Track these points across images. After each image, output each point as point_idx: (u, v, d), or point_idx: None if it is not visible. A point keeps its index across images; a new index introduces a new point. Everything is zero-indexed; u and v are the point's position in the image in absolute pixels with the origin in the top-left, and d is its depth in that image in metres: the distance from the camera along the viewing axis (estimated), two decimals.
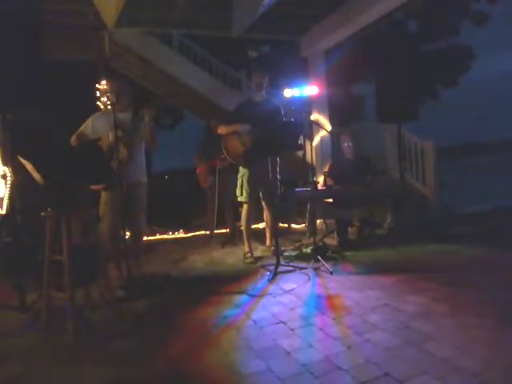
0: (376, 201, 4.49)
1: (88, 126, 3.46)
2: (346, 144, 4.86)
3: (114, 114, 3.15)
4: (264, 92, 4.27)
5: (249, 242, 4.33)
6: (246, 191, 4.21)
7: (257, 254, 4.39)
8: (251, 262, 4.15)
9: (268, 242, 4.50)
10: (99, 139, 3.39)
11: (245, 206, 4.33)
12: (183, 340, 2.40)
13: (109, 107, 3.47)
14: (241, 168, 4.28)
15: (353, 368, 1.93)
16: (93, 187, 3.23)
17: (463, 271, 3.40)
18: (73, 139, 3.46)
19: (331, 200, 4.61)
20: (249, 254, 4.27)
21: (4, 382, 2.07)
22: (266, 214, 4.43)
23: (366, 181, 4.58)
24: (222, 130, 4.20)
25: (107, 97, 3.44)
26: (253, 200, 4.29)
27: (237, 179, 4.35)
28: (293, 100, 5.52)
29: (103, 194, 3.40)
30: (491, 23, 15.73)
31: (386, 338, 2.21)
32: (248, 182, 4.20)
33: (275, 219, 4.18)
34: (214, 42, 8.37)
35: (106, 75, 3.28)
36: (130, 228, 3.55)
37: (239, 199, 4.32)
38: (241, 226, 4.55)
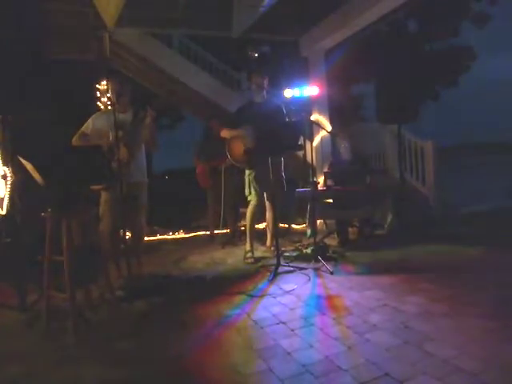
0: (376, 201, 4.49)
1: (89, 126, 3.46)
2: (342, 145, 4.87)
3: (115, 114, 3.15)
4: (265, 92, 4.28)
5: (251, 242, 4.32)
6: (255, 189, 4.21)
7: (257, 254, 4.39)
8: (251, 262, 4.15)
9: (269, 242, 4.50)
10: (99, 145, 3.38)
11: (252, 203, 4.31)
12: (183, 340, 2.40)
13: (109, 107, 3.48)
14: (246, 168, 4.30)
15: (353, 368, 1.93)
16: (93, 187, 3.23)
17: (463, 271, 3.40)
18: (74, 140, 3.45)
19: (331, 200, 4.62)
20: (249, 254, 4.26)
21: (4, 383, 2.07)
22: (268, 215, 4.43)
23: (365, 181, 4.58)
24: (224, 133, 4.23)
25: (107, 97, 3.45)
26: (260, 199, 4.29)
27: (237, 180, 4.37)
28: (293, 100, 5.52)
29: (103, 194, 3.40)
30: (491, 23, 15.72)
31: (385, 338, 2.21)
32: (255, 181, 4.21)
33: (277, 220, 4.18)
34: (214, 42, 8.37)
35: (106, 75, 3.27)
36: (131, 228, 3.55)
37: (249, 198, 4.31)
38: (241, 227, 4.56)
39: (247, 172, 4.27)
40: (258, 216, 4.59)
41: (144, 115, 3.35)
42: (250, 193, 4.26)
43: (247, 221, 4.35)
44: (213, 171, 5.27)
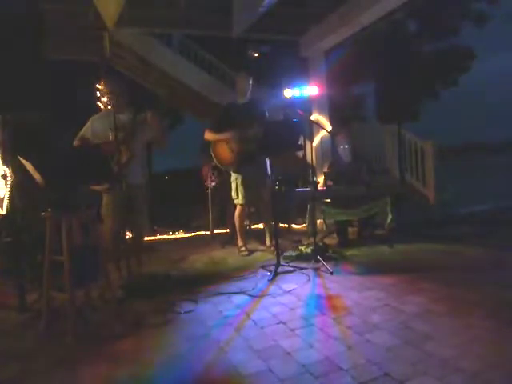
0: (376, 201, 4.48)
1: (88, 129, 3.46)
2: (342, 146, 4.81)
3: (115, 116, 3.15)
4: (249, 93, 4.31)
5: (242, 237, 4.48)
6: (242, 194, 4.29)
7: (255, 253, 4.44)
8: (246, 255, 4.33)
9: (268, 241, 4.51)
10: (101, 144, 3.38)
11: (238, 207, 4.44)
12: (183, 340, 2.40)
13: (109, 107, 3.49)
14: (232, 171, 4.38)
15: (353, 368, 1.93)
16: (95, 188, 3.23)
17: (463, 271, 3.40)
18: (75, 143, 3.45)
19: (329, 200, 4.61)
20: (243, 248, 4.43)
21: (4, 383, 2.07)
22: (264, 215, 4.48)
23: (365, 181, 4.57)
24: (208, 136, 4.29)
25: (107, 97, 3.44)
26: (249, 202, 4.38)
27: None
28: (293, 100, 5.51)
29: (105, 197, 3.41)
30: (491, 23, 15.72)
31: (386, 338, 2.21)
32: (242, 185, 4.26)
33: (274, 219, 4.20)
34: (214, 42, 8.37)
35: (103, 77, 3.27)
36: (131, 229, 3.55)
37: (236, 202, 4.42)
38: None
39: (233, 176, 4.35)
40: (254, 218, 4.69)
41: (144, 118, 3.35)
42: (238, 196, 4.35)
43: (236, 223, 4.50)
44: (216, 171, 5.28)
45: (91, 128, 3.44)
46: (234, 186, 4.37)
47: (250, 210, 5.39)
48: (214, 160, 4.29)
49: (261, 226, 5.27)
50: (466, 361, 1.93)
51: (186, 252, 4.79)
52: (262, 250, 4.55)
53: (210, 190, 5.52)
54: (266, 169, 4.30)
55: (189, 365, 2.10)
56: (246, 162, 4.17)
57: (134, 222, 3.49)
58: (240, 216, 4.45)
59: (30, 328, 2.73)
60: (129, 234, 3.61)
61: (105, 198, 3.40)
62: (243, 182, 4.28)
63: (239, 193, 4.31)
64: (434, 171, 6.16)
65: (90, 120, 3.49)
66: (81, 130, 3.48)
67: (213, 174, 5.37)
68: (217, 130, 4.25)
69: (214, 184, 5.41)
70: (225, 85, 8.56)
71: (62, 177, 2.64)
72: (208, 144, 5.21)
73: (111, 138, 3.25)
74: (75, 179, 2.71)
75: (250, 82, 4.33)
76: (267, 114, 4.33)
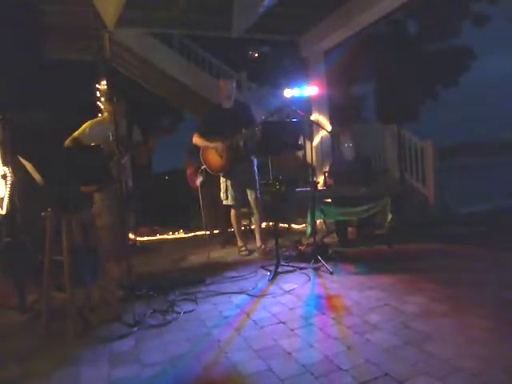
0: (376, 201, 4.48)
1: (85, 134, 3.50)
2: (346, 145, 4.83)
3: (132, 127, 3.20)
4: (233, 97, 4.33)
5: (241, 238, 4.54)
6: (231, 195, 4.31)
7: (255, 252, 4.46)
8: (246, 255, 4.38)
9: (258, 242, 4.51)
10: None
11: (232, 210, 4.46)
12: (183, 340, 2.40)
13: (105, 114, 3.62)
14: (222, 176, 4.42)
15: (353, 368, 1.93)
16: (85, 189, 3.25)
17: (463, 271, 3.40)
18: (67, 143, 3.48)
19: (329, 200, 4.62)
20: (243, 248, 4.47)
21: (4, 383, 2.07)
22: (254, 217, 4.51)
23: (367, 181, 4.57)
24: (196, 141, 4.32)
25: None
26: (238, 203, 4.40)
27: None
28: (293, 100, 5.52)
29: (97, 195, 3.43)
30: (491, 23, 15.72)
31: (386, 338, 2.21)
32: (232, 187, 4.32)
33: (274, 219, 4.20)
34: (214, 42, 8.38)
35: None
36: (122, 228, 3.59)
37: (224, 203, 4.45)
38: (241, 226, 4.61)
39: (223, 178, 4.38)
40: (247, 217, 4.73)
41: (152, 143, 3.44)
42: (227, 198, 4.38)
43: (234, 226, 4.54)
44: (203, 172, 5.24)
45: (88, 134, 3.48)
46: (223, 186, 4.39)
47: (251, 210, 5.38)
48: (204, 165, 4.32)
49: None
50: (466, 361, 1.93)
51: (186, 252, 4.80)
52: (255, 250, 4.56)
53: (199, 191, 5.47)
54: (254, 168, 4.33)
55: (189, 365, 2.11)
56: (234, 165, 4.22)
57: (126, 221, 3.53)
58: (236, 219, 4.48)
59: (30, 328, 2.73)
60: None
61: (98, 196, 3.44)
62: (232, 184, 4.32)
63: (229, 194, 4.35)
64: (434, 171, 6.15)
65: (89, 126, 3.52)
66: (75, 131, 3.51)
67: (199, 174, 5.31)
68: (204, 133, 4.28)
69: (199, 184, 5.33)
70: None
71: (62, 177, 2.64)
72: (196, 148, 5.22)
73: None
74: (74, 179, 2.70)
75: (234, 86, 4.34)
76: (256, 119, 4.32)
